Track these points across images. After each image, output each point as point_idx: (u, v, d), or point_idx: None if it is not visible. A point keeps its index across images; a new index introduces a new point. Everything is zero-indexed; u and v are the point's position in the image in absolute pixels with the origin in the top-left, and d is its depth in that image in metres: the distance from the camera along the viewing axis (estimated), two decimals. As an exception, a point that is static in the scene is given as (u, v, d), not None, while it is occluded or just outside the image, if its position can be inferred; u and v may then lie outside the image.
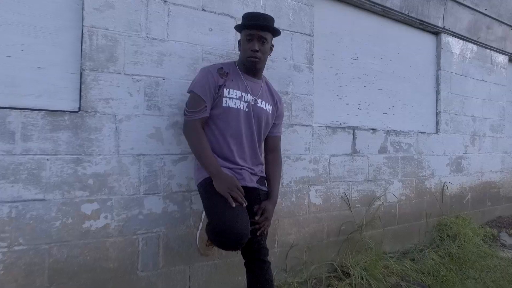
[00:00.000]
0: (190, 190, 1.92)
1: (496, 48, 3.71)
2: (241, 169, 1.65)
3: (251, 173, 1.69)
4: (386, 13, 2.75)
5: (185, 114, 1.60)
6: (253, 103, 1.65)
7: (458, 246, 2.98)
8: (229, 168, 1.62)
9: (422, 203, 3.14)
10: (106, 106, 1.68)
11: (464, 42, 3.38)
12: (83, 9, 1.62)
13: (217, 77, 1.59)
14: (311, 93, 2.33)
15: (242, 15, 2.04)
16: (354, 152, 2.61)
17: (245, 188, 1.60)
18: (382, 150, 2.78)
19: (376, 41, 2.77)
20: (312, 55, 2.34)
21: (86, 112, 1.63)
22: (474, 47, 3.49)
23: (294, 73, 2.27)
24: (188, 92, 1.63)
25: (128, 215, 1.74)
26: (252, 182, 1.68)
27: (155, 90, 1.79)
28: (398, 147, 2.89)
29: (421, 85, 3.11)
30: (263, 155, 1.83)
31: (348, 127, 2.60)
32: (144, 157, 1.78)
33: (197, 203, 1.94)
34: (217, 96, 1.59)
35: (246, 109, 1.63)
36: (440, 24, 3.10)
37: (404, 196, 2.97)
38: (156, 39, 1.79)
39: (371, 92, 2.76)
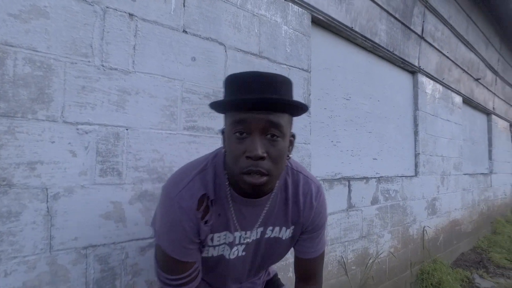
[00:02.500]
0: None
1: (454, 89, 3.82)
2: None
3: None
4: (374, 50, 2.53)
5: (164, 283, 0.87)
6: (258, 237, 0.92)
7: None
8: None
9: (407, 252, 2.90)
10: (31, 174, 1.02)
11: (434, 82, 3.36)
12: (-9, 14, 0.97)
13: (197, 222, 0.81)
14: (309, 142, 1.90)
15: (231, 43, 1.58)
16: (350, 206, 2.23)
17: None
18: (374, 200, 2.46)
19: (366, 80, 2.51)
20: (310, 95, 1.94)
21: (-8, 187, 0.96)
22: (441, 88, 3.50)
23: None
24: (154, 240, 0.91)
25: None
26: None
27: (114, 146, 1.18)
28: (387, 195, 2.61)
29: (403, 126, 2.94)
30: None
31: (344, 178, 2.23)
32: (95, 250, 1.13)
33: (173, 307, 1.33)
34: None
35: (243, 253, 0.92)
36: (416, 64, 3.00)
37: (392, 248, 2.69)
38: (116, 69, 1.20)
39: (362, 136, 2.46)
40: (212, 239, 0.86)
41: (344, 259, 2.18)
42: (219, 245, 0.88)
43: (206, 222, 0.82)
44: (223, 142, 0.84)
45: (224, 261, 0.92)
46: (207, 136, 1.45)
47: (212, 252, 0.89)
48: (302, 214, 0.93)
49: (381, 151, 2.65)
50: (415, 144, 3.07)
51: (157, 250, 0.88)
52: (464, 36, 3.83)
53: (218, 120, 1.49)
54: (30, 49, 1.03)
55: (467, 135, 4.36)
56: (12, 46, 1.01)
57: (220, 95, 1.49)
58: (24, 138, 1.01)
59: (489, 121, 5.15)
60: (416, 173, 3.06)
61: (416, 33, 2.94)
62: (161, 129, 1.30)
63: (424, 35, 3.05)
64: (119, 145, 1.19)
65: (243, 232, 0.88)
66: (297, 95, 1.87)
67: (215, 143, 1.47)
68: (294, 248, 1.02)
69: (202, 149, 1.43)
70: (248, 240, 0.90)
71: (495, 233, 4.89)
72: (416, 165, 3.07)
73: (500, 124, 5.58)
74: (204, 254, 0.89)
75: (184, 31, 1.40)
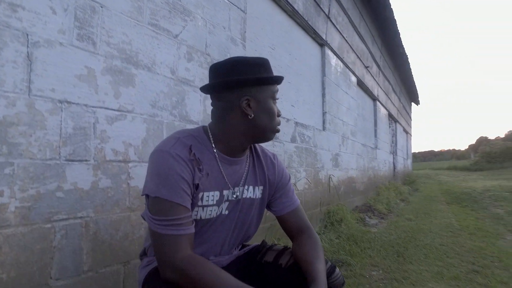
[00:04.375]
0: (128, 160, 1.44)
1: (351, 69, 4.67)
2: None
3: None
4: (294, 15, 3.02)
5: (165, 226, 0.83)
6: (238, 197, 1.00)
7: (346, 228, 3.42)
8: None
9: (318, 193, 3.46)
10: (12, 15, 1.08)
11: (337, 58, 4.08)
12: None
13: (192, 167, 0.89)
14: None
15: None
16: (275, 138, 2.64)
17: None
18: (293, 139, 2.93)
19: (287, 38, 2.97)
20: (245, 32, 2.28)
21: (-24, 17, 1.00)
22: (341, 64, 4.27)
23: (230, 45, 2.13)
24: (148, 195, 0.87)
25: (41, 190, 1.13)
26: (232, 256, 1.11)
27: (90, 17, 1.30)
28: (303, 139, 3.12)
29: (314, 86, 3.53)
30: None
31: (271, 112, 2.62)
32: (70, 106, 1.22)
33: (136, 178, 1.48)
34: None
35: (226, 212, 0.99)
36: (324, 38, 3.64)
37: (307, 185, 3.20)
38: (90, -49, 1.32)
39: (284, 83, 2.89)
40: (202, 198, 0.91)
41: (271, 182, 2.56)
42: (207, 206, 0.93)
43: (200, 170, 0.89)
44: (236, 112, 0.92)
45: (211, 224, 0.97)
46: (166, 37, 1.64)
47: (200, 214, 0.92)
48: (268, 173, 1.06)
49: (298, 101, 3.15)
50: (323, 104, 3.70)
51: (153, 205, 0.85)
52: (358, 28, 4.74)
53: (175, 27, 1.70)
54: None
55: (360, 111, 5.33)
56: None
57: (177, 6, 1.70)
58: (7, -19, 1.07)
59: (375, 105, 6.35)
60: (324, 128, 3.68)
61: (324, 13, 3.58)
62: (131, 18, 1.45)
63: (330, 16, 3.73)
64: (94, 18, 1.31)
65: (227, 191, 0.96)
66: (235, 31, 2.19)
67: (173, 44, 1.67)
68: (274, 211, 1.10)
69: (163, 46, 1.61)
70: (230, 197, 0.97)
71: (378, 195, 6.03)
72: (323, 122, 3.69)
73: (382, 111, 6.91)
74: (195, 216, 0.91)
75: None
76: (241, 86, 0.92)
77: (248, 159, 1.04)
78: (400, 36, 6.38)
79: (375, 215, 4.53)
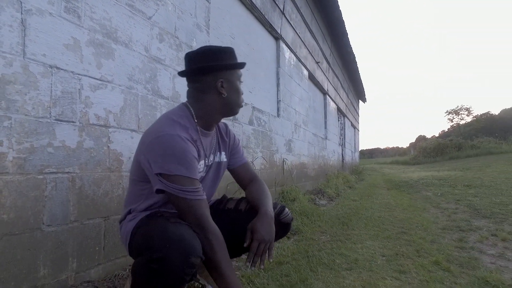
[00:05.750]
0: (108, 126, 1.60)
1: (303, 63, 5.07)
2: None
3: None
4: (252, 8, 3.29)
5: (191, 193, 1.01)
6: (211, 161, 1.23)
7: (298, 206, 3.79)
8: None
9: (273, 174, 3.78)
10: (8, -14, 1.20)
11: (290, 52, 4.44)
12: None
13: (196, 146, 1.09)
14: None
15: None
16: (234, 119, 2.89)
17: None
18: (251, 122, 3.20)
19: (245, 30, 3.24)
20: (209, 20, 2.50)
21: (-23, -16, 1.12)
22: (294, 58, 4.64)
23: (196, 31, 2.34)
24: (164, 174, 0.99)
25: (34, 145, 1.27)
26: None
27: (75, -8, 1.44)
28: (260, 122, 3.41)
29: (269, 76, 3.83)
30: None
31: (233, 96, 2.87)
32: (59, 72, 1.37)
33: (115, 143, 1.64)
34: None
35: (204, 174, 1.20)
36: (279, 32, 3.97)
37: (263, 166, 3.50)
38: None
39: (242, 70, 3.16)
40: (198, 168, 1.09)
41: (233, 159, 2.81)
42: (199, 172, 1.10)
43: (197, 147, 1.09)
44: (215, 92, 1.13)
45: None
46: (141, 17, 1.81)
47: None
48: (228, 141, 1.32)
49: (255, 88, 3.43)
50: (277, 93, 4.03)
51: (174, 181, 0.99)
52: (309, 25, 5.16)
53: (149, 9, 1.87)
54: None
55: (311, 103, 5.78)
56: None
57: (150, -10, 1.88)
58: (4, -45, 1.19)
59: (325, 99, 6.87)
60: (278, 115, 4.01)
61: (279, 8, 3.91)
62: (109, -5, 1.61)
63: (284, 12, 4.06)
64: (78, -6, 1.46)
65: (206, 159, 1.18)
66: (201, 18, 2.40)
67: (147, 25, 1.85)
68: (229, 165, 1.33)
69: (138, 26, 1.78)
70: (208, 163, 1.19)
71: (328, 182, 6.58)
72: (278, 109, 4.02)
73: (331, 105, 7.48)
74: None
75: None
76: (216, 71, 1.13)
77: (216, 131, 1.28)
78: (348, 36, 6.99)
79: (325, 197, 4.99)
